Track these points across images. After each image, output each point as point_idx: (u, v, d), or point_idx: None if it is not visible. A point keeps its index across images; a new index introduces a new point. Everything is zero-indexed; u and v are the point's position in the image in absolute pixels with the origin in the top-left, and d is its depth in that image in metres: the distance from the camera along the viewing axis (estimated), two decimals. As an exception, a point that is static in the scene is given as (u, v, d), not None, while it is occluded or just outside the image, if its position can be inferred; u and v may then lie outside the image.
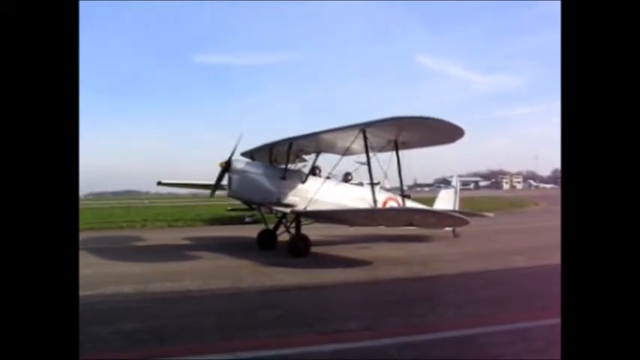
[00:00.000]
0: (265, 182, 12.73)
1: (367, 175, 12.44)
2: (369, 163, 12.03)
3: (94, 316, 6.70)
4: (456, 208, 16.85)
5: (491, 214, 17.98)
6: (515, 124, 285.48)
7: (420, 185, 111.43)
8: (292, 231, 13.20)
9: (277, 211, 13.49)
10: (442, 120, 10.12)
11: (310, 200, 12.53)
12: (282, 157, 13.45)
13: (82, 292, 7.96)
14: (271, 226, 14.39)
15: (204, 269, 10.66)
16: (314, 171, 13.63)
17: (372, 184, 12.18)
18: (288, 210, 12.87)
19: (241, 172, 12.56)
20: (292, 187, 12.87)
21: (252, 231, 15.67)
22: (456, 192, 17.46)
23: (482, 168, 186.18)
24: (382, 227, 14.74)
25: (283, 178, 12.88)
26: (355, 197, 13.25)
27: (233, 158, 12.67)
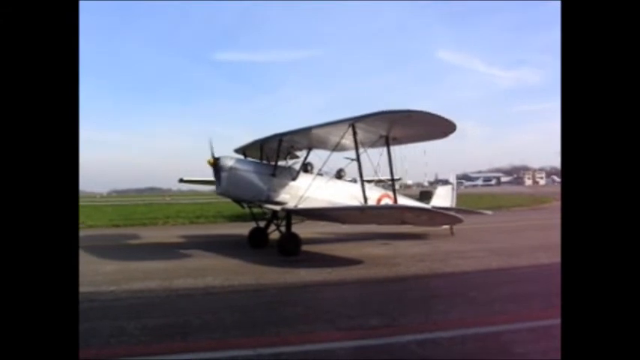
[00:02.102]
0: (255, 179, 12.45)
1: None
2: (358, 159, 11.61)
3: (121, 311, 6.86)
4: (454, 206, 16.52)
5: (489, 212, 17.61)
6: (538, 119, 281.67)
7: (441, 181, 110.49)
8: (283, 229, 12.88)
9: (268, 209, 13.20)
10: (431, 113, 9.74)
11: (301, 197, 12.24)
12: (274, 154, 13.17)
13: (107, 288, 8.25)
14: (263, 224, 14.11)
15: (226, 266, 10.79)
16: (306, 167, 13.30)
17: (362, 181, 11.79)
18: (278, 208, 12.62)
19: (230, 170, 12.27)
20: (283, 185, 12.59)
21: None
22: (453, 189, 17.22)
23: (505, 164, 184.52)
24: (377, 226, 14.51)
25: (273, 175, 12.59)
26: (348, 194, 12.89)
27: (222, 155, 12.42)
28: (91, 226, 22.55)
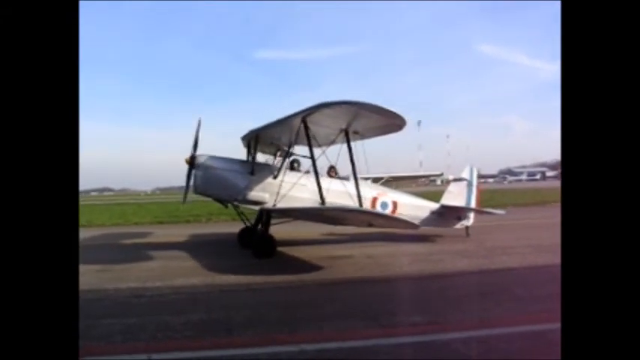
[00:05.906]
0: (231, 178, 12.07)
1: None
2: (312, 155, 11.08)
3: (165, 307, 7.01)
4: (471, 204, 15.46)
5: (502, 212, 16.66)
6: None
7: (484, 176, 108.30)
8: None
9: (246, 208, 12.78)
10: (370, 104, 9.08)
11: (281, 196, 11.82)
12: (264, 149, 12.76)
13: (151, 284, 8.44)
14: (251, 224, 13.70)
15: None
16: (292, 165, 12.82)
17: (318, 178, 11.06)
18: (256, 207, 12.22)
19: (205, 168, 11.96)
20: (261, 183, 12.14)
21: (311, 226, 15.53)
22: (470, 185, 15.77)
23: (549, 158, 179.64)
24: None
25: (251, 173, 12.18)
26: (337, 193, 11.90)
27: (197, 153, 12.04)
28: (136, 223, 23.25)
